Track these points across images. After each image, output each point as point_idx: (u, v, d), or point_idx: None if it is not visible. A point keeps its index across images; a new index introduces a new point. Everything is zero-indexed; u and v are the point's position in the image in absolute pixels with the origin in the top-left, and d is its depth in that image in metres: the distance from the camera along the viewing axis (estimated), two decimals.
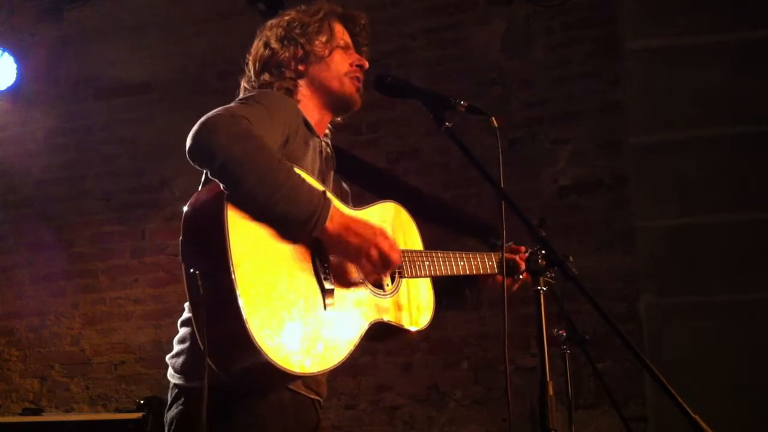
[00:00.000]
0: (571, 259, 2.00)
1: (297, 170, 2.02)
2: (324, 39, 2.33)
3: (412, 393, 4.61)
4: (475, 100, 2.19)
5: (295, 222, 1.96)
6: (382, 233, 2.09)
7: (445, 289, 2.47)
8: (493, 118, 2.11)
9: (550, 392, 1.89)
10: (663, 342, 4.17)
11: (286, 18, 2.36)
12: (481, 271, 2.45)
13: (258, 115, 2.03)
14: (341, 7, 2.41)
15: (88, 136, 5.38)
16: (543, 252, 2.03)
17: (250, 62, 2.36)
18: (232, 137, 1.91)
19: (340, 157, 2.44)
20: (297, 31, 2.32)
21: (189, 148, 1.94)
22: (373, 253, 2.05)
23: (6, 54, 5.24)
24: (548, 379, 1.90)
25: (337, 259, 2.05)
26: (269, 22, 2.40)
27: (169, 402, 2.12)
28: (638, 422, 4.13)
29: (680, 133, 4.31)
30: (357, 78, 2.35)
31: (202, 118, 1.95)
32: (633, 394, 4.22)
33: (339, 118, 2.43)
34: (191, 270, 1.88)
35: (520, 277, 2.48)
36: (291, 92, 2.29)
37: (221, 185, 1.93)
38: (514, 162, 4.50)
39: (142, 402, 4.43)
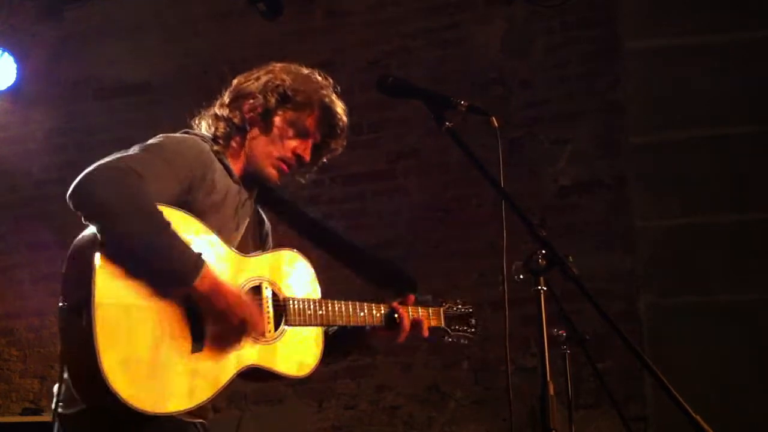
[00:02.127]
0: (571, 259, 2.00)
1: (187, 219, 2.06)
2: (293, 118, 2.33)
3: (412, 393, 4.61)
4: (475, 100, 2.19)
5: (164, 278, 2.01)
6: (247, 304, 2.12)
7: (338, 340, 2.48)
8: (494, 118, 2.12)
9: (550, 392, 1.89)
10: (663, 342, 4.17)
11: (284, 77, 2.35)
12: (370, 323, 2.46)
13: (152, 164, 2.09)
14: (334, 95, 2.39)
15: (88, 136, 5.37)
16: (543, 252, 2.03)
17: (236, 82, 2.39)
18: (108, 191, 1.98)
19: (272, 202, 2.47)
20: (278, 93, 2.32)
21: (69, 194, 2.01)
22: (235, 321, 2.08)
23: (6, 54, 5.23)
24: (548, 379, 1.90)
25: (207, 317, 2.08)
26: (276, 66, 2.40)
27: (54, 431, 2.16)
28: (638, 422, 4.13)
29: (680, 133, 4.31)
30: (287, 165, 2.35)
31: (86, 169, 2.01)
32: (633, 394, 4.21)
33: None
34: (59, 303, 2.02)
35: (402, 329, 2.49)
36: (220, 138, 2.30)
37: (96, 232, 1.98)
38: (514, 162, 4.49)
39: None
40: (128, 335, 1.95)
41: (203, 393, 2.06)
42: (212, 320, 2.08)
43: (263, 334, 2.19)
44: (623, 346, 1.81)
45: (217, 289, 2.06)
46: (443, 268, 4.58)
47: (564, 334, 2.83)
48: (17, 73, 5.27)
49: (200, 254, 2.05)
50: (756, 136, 4.23)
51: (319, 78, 2.39)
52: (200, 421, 2.21)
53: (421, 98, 2.23)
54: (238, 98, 2.35)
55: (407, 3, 4.96)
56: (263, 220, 2.49)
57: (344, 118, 2.41)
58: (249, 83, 2.36)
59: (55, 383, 2.18)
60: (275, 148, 2.33)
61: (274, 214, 2.53)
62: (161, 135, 2.30)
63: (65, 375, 2.14)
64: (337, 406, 4.66)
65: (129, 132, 5.29)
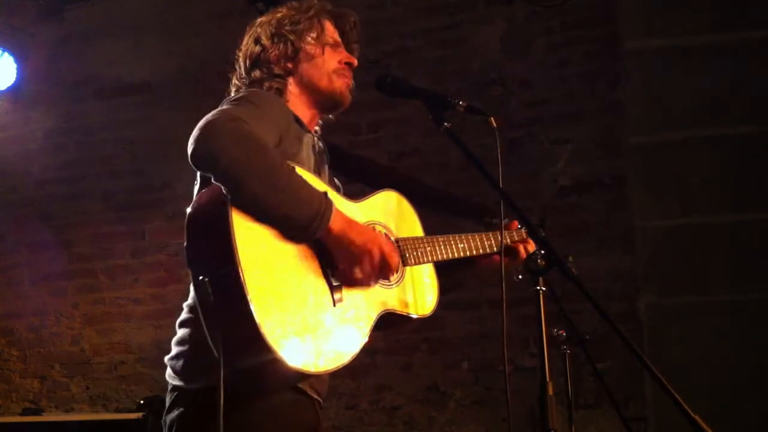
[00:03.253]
0: (570, 259, 2.00)
1: (299, 170, 2.01)
2: (314, 36, 2.33)
3: (412, 393, 4.61)
4: (474, 100, 2.19)
5: (297, 224, 1.96)
6: (383, 237, 2.11)
7: (442, 274, 2.48)
8: (492, 118, 2.11)
9: (550, 392, 1.89)
10: (663, 342, 4.17)
11: (277, 15, 2.37)
12: (481, 252, 2.46)
13: (252, 115, 2.03)
14: (330, 5, 2.42)
15: (88, 136, 5.38)
16: (543, 252, 2.03)
17: (241, 59, 2.36)
18: (233, 140, 1.91)
19: (333, 153, 2.45)
20: (287, 28, 2.33)
21: (191, 153, 1.94)
22: (375, 255, 2.05)
23: (6, 54, 5.24)
24: (548, 379, 1.90)
25: (342, 261, 2.05)
26: (259, 19, 2.41)
27: (168, 404, 2.11)
28: (638, 422, 4.13)
29: (680, 133, 4.31)
30: (344, 75, 2.35)
31: (201, 122, 1.95)
32: (633, 394, 4.22)
33: (331, 116, 2.44)
34: (200, 278, 1.88)
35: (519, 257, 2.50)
36: (280, 91, 2.30)
37: (223, 188, 1.92)
38: (514, 162, 4.49)
39: (142, 402, 4.43)
40: (278, 295, 1.90)
41: (354, 345, 2.02)
42: (345, 264, 2.03)
43: (397, 270, 2.15)
44: (623, 346, 1.81)
45: (350, 226, 2.03)
46: None
47: (564, 334, 2.83)
48: (17, 73, 5.28)
49: (325, 192, 2.01)
50: (756, 136, 4.22)
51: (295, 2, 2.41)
52: (318, 399, 2.20)
53: (419, 98, 2.23)
54: (259, 60, 2.33)
55: (407, 3, 4.96)
56: (332, 176, 2.45)
57: (351, 12, 2.44)
58: (255, 47, 2.34)
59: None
60: (323, 68, 2.32)
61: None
62: (244, 90, 2.27)
63: (185, 347, 2.09)
64: (337, 406, 4.66)
65: (129, 132, 5.34)
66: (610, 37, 4.56)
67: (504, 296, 2.09)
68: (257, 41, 2.34)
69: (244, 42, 2.38)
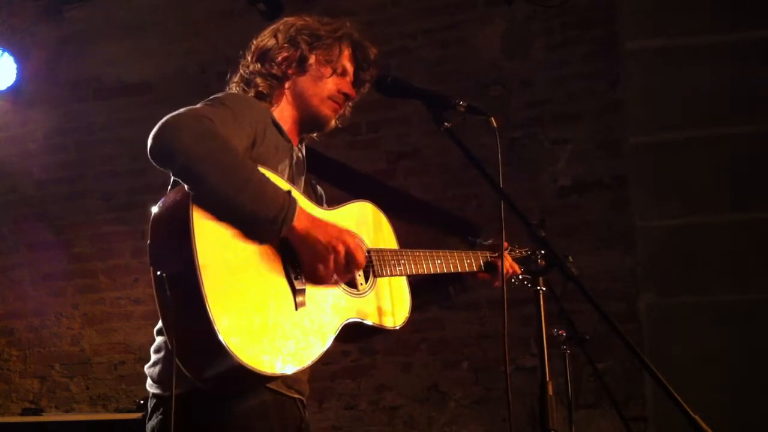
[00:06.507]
0: (570, 259, 2.00)
1: (261, 169, 2.01)
2: (326, 56, 2.33)
3: (412, 393, 4.61)
4: (475, 100, 2.19)
5: (261, 221, 1.95)
6: (349, 232, 2.09)
7: (427, 285, 2.48)
8: (493, 118, 2.11)
9: (550, 392, 1.89)
10: (663, 342, 4.16)
11: (303, 22, 2.37)
12: (459, 270, 2.45)
13: (222, 116, 2.03)
14: (358, 33, 2.40)
15: (88, 136, 5.38)
16: (542, 252, 2.03)
17: (253, 46, 2.37)
18: (193, 136, 1.90)
19: (315, 160, 2.44)
20: (305, 37, 2.32)
21: (150, 148, 1.93)
22: (340, 250, 2.04)
23: (6, 54, 5.24)
24: (548, 379, 1.90)
25: (307, 259, 2.04)
26: (288, 18, 2.41)
27: (148, 412, 2.12)
28: (638, 422, 4.13)
29: (680, 133, 4.30)
30: (338, 104, 2.34)
31: (163, 119, 1.94)
32: (633, 394, 4.22)
33: (315, 136, 2.43)
34: (158, 273, 1.88)
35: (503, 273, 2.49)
36: (263, 94, 2.29)
37: (185, 186, 1.92)
38: (514, 162, 4.50)
39: (142, 402, 4.42)
40: (237, 295, 1.89)
41: (314, 351, 2.00)
42: (309, 262, 2.02)
43: (362, 267, 2.13)
44: (623, 346, 1.81)
45: (315, 224, 2.02)
46: None
47: (564, 334, 2.83)
48: (17, 73, 5.28)
49: (289, 191, 2.00)
50: (756, 136, 4.22)
51: (333, 20, 2.40)
52: (300, 397, 2.19)
53: (420, 98, 2.23)
54: (265, 55, 2.33)
55: (407, 3, 4.97)
56: (315, 184, 2.46)
57: (374, 49, 2.42)
58: (269, 40, 2.34)
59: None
60: (321, 89, 2.31)
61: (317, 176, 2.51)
62: (221, 92, 2.26)
63: (161, 354, 2.09)
64: (337, 406, 4.66)
65: (129, 132, 5.33)
66: (610, 37, 4.56)
67: (504, 296, 2.09)
68: (274, 36, 2.35)
69: (264, 32, 2.39)
